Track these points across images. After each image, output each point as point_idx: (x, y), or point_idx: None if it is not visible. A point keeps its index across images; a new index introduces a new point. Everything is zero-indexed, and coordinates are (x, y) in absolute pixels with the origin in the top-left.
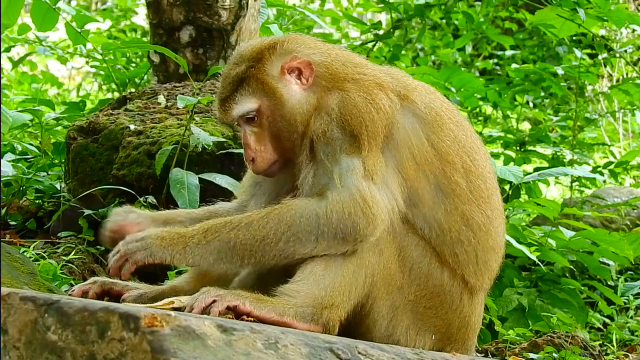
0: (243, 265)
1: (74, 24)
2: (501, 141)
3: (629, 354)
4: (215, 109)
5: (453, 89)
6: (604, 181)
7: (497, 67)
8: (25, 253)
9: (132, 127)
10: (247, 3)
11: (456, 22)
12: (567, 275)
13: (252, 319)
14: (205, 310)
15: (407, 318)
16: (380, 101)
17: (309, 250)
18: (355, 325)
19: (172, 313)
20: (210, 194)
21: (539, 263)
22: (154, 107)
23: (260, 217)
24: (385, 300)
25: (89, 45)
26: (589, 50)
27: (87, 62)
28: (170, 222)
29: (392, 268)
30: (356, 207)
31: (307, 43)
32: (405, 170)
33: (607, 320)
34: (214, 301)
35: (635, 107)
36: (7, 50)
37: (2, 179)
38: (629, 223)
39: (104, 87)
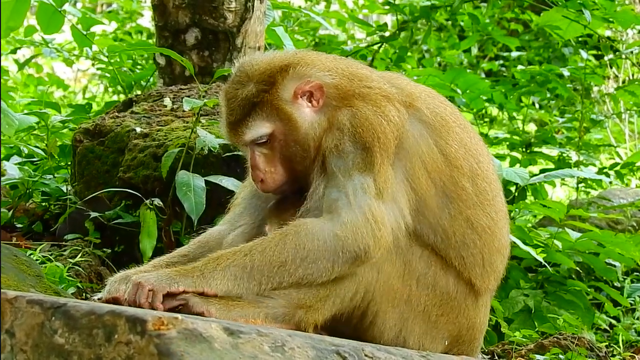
0: (260, 291)
1: (79, 26)
2: (507, 143)
3: (635, 355)
4: (223, 131)
5: (459, 91)
6: (610, 182)
7: (503, 69)
8: (31, 256)
9: (138, 129)
10: (253, 5)
11: (462, 24)
12: (573, 276)
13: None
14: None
15: (419, 327)
16: (390, 113)
17: (324, 277)
18: (361, 335)
19: (179, 316)
20: (216, 196)
21: (545, 264)
22: (160, 110)
23: (275, 243)
24: (392, 313)
25: (95, 48)
26: (594, 52)
27: (93, 65)
28: (168, 267)
29: (394, 284)
30: (367, 228)
31: (318, 64)
32: (417, 180)
33: (614, 322)
34: (180, 305)
35: None
36: (13, 52)
37: (9, 182)
38: (635, 224)
39: (110, 90)
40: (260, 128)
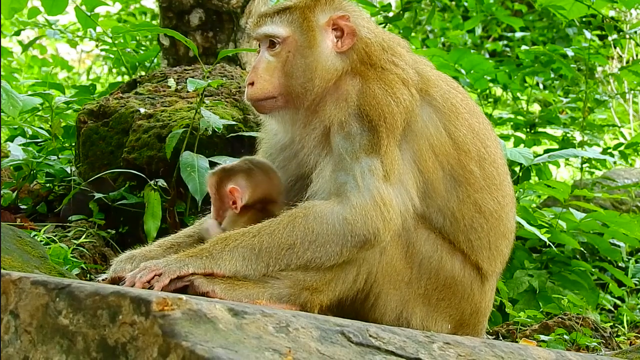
0: (268, 272)
1: (83, 7)
2: (511, 123)
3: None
4: (252, 20)
5: (463, 71)
6: (614, 162)
7: (507, 49)
8: (36, 237)
9: (142, 110)
10: None
11: (466, 4)
12: (578, 257)
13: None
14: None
15: (420, 310)
16: (401, 95)
17: (332, 261)
18: (363, 317)
19: (184, 297)
20: None
21: (550, 245)
22: (164, 91)
23: (284, 225)
24: (393, 295)
25: (99, 29)
26: (598, 32)
27: (97, 46)
28: (172, 247)
29: (397, 265)
30: (377, 211)
31: (364, 16)
32: (424, 163)
33: (618, 302)
34: (186, 286)
35: None
36: (17, 33)
37: (13, 163)
38: (639, 204)
39: (114, 71)
40: (279, 27)
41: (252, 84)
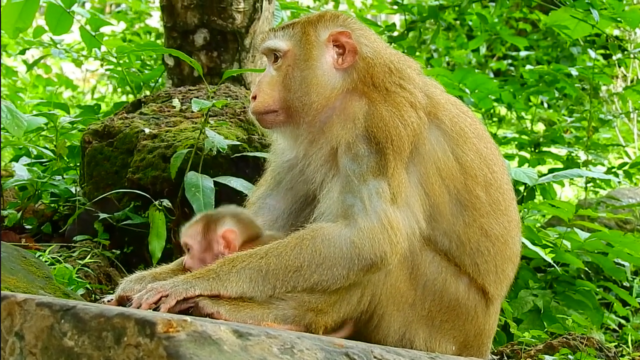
0: (275, 294)
1: (88, 27)
2: (516, 142)
3: None
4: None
5: (467, 90)
6: (619, 182)
7: (512, 68)
8: (40, 257)
9: (146, 130)
10: (262, 6)
11: (470, 23)
12: (582, 276)
13: None
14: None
15: (424, 331)
16: (409, 118)
17: (339, 284)
18: (366, 337)
19: (188, 318)
20: (225, 197)
21: (554, 264)
22: (169, 111)
23: (291, 247)
24: (397, 316)
25: (104, 48)
26: (603, 51)
27: (101, 65)
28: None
29: (401, 287)
30: (384, 235)
31: (368, 35)
32: (430, 186)
33: (623, 322)
34: (191, 307)
35: None
36: (22, 53)
37: (18, 183)
38: None
39: (119, 90)
40: (280, 41)
41: (254, 97)
